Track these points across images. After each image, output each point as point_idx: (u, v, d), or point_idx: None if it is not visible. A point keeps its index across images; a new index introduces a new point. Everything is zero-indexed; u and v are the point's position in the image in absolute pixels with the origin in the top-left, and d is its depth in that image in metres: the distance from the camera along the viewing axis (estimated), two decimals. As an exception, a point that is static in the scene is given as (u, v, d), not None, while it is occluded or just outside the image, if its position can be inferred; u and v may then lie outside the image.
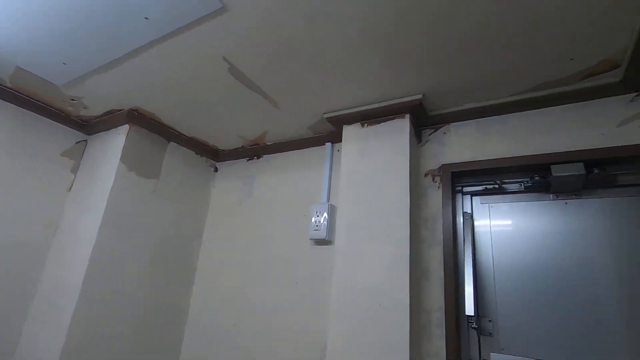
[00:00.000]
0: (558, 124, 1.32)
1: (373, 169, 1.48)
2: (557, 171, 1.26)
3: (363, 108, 1.55)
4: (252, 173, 2.10)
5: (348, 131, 1.62)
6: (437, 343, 1.30)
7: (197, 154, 2.14)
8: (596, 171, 1.23)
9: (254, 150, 2.09)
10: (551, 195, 1.37)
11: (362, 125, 1.59)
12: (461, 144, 1.49)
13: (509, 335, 1.29)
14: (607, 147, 1.21)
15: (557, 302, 1.25)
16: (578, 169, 1.23)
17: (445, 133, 1.54)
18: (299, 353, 1.57)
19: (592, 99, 1.28)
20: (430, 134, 1.58)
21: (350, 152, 1.58)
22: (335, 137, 1.78)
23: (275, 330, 1.68)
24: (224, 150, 2.21)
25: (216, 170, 2.26)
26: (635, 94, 1.22)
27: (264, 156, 2.09)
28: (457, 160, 1.48)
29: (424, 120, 1.56)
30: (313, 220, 1.69)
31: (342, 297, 1.37)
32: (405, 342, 1.20)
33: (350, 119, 1.60)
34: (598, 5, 0.94)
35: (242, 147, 2.11)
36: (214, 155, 2.22)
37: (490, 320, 1.34)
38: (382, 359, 1.22)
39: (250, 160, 2.15)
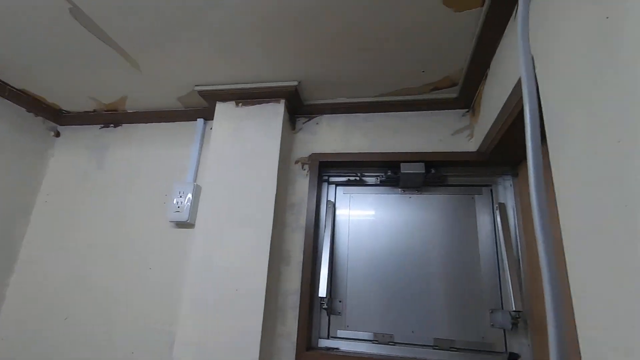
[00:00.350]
0: (411, 126, 1.50)
1: (243, 151, 1.43)
2: (405, 169, 1.43)
3: (239, 86, 1.48)
4: (106, 143, 1.80)
5: (221, 109, 1.53)
6: (291, 324, 1.35)
7: (29, 112, 1.72)
8: (433, 171, 1.45)
9: (110, 117, 1.80)
10: (400, 189, 1.56)
11: (237, 104, 1.52)
12: (331, 136, 1.57)
13: (355, 313, 1.43)
14: (442, 152, 1.44)
15: (396, 283, 1.43)
16: (420, 168, 1.42)
17: (317, 123, 1.60)
18: (146, 346, 1.43)
19: (436, 109, 1.49)
20: (304, 123, 1.61)
21: (221, 131, 1.49)
22: (208, 114, 1.66)
23: (119, 321, 1.49)
24: (69, 112, 1.83)
25: (58, 135, 1.87)
26: (466, 110, 1.48)
27: (123, 125, 1.81)
28: (326, 151, 1.54)
29: (299, 108, 1.58)
30: (175, 200, 1.54)
31: (198, 282, 1.30)
32: (258, 326, 1.21)
33: (225, 96, 1.51)
34: (442, 29, 1.09)
35: (95, 111, 1.79)
36: (55, 116, 1.82)
37: (340, 301, 1.45)
38: (234, 344, 1.20)
39: (104, 128, 1.83)
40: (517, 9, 0.92)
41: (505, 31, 1.04)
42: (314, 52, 1.24)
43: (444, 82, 1.36)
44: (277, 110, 1.47)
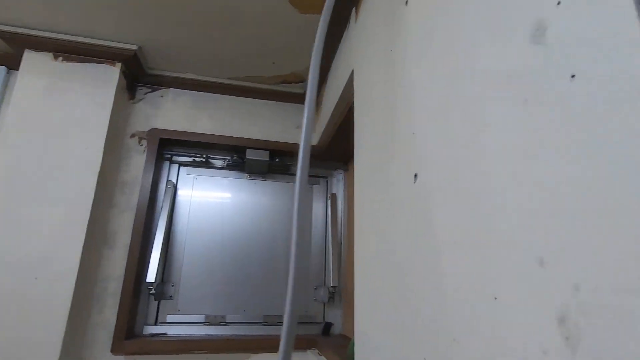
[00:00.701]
0: (258, 114, 1.54)
1: (61, 115, 1.21)
2: (251, 155, 1.47)
3: (61, 36, 1.23)
4: None
5: (32, 59, 1.24)
6: (110, 312, 1.23)
7: None
8: (277, 160, 1.53)
9: None
10: (246, 174, 1.60)
11: (56, 57, 1.26)
12: (177, 112, 1.47)
13: (188, 297, 1.40)
14: (286, 142, 1.53)
15: (235, 265, 1.46)
16: (265, 156, 1.48)
17: (162, 96, 1.47)
18: None
19: (285, 101, 1.57)
20: (145, 93, 1.46)
21: (30, 87, 1.22)
22: (14, 62, 1.32)
23: None
24: None
25: None
26: (312, 106, 1.60)
27: None
28: (170, 128, 1.44)
29: (141, 76, 1.42)
30: (-48, 167, 1.19)
31: (-21, 271, 1.05)
32: (63, 317, 1.06)
33: (39, 44, 1.24)
34: (289, 26, 1.15)
35: None
36: None
37: (173, 285, 1.40)
38: (28, 340, 1.02)
39: None
40: (350, 18, 1.05)
41: (342, 38, 1.17)
42: (157, 17, 1.13)
43: (292, 77, 1.44)
44: (110, 74, 1.29)
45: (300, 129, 0.50)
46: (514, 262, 0.31)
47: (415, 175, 0.53)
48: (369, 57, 0.84)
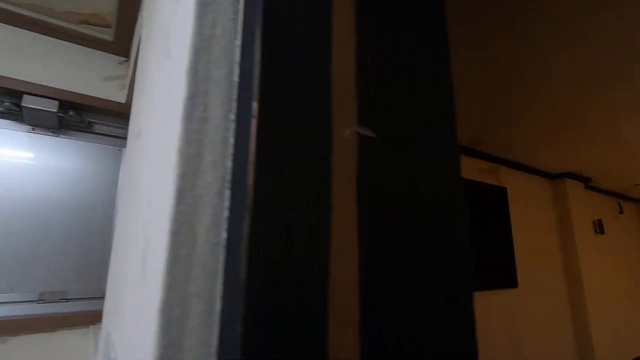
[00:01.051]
0: (47, 55, 1.27)
1: None
2: (30, 102, 1.21)
3: None
4: None
5: None
6: None
7: None
8: (72, 113, 1.31)
9: None
10: (30, 127, 1.31)
11: None
12: None
13: None
14: (87, 95, 1.32)
15: (8, 235, 1.20)
16: (52, 106, 1.24)
17: None
18: None
19: (90, 47, 1.35)
20: None
21: None
22: None
23: None
24: None
25: None
26: (124, 59, 1.42)
27: None
28: None
29: None
30: None
31: None
32: None
33: None
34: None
35: None
36: None
37: None
38: None
39: None
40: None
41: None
42: None
43: (96, 18, 1.24)
44: None
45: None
46: (141, 202, 0.33)
47: (140, 131, 0.52)
48: (147, 26, 0.78)
